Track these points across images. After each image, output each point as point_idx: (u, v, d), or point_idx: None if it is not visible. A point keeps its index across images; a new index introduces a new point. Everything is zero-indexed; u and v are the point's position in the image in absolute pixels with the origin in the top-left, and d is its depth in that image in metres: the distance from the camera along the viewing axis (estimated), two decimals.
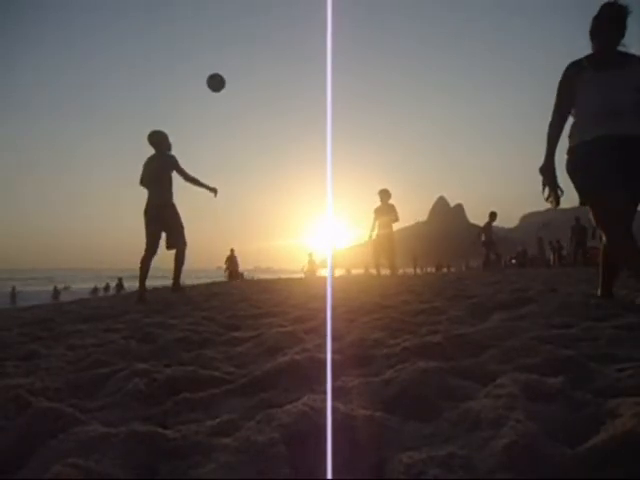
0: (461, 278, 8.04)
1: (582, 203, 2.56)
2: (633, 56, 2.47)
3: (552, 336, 1.73)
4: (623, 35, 2.45)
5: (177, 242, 4.71)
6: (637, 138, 2.35)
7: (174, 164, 4.67)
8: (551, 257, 19.52)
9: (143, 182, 4.69)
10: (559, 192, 2.61)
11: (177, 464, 0.79)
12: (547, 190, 2.64)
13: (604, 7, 2.45)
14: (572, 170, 2.54)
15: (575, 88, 2.51)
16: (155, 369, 1.46)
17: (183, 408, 1.14)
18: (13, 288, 21.05)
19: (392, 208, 8.34)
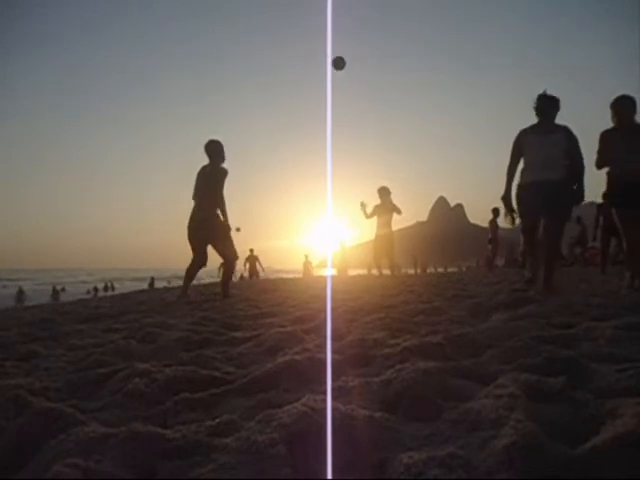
0: (461, 278, 8.04)
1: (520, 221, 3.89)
2: (560, 126, 3.65)
3: (552, 336, 1.72)
4: (555, 113, 3.66)
5: (226, 255, 4.68)
6: (555, 180, 3.55)
7: (223, 177, 4.59)
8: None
9: (195, 192, 4.62)
10: (514, 215, 3.86)
11: (177, 464, 0.79)
12: (505, 213, 3.93)
13: (541, 99, 3.66)
14: (517, 199, 3.81)
15: (522, 147, 3.70)
16: (155, 369, 1.46)
17: (183, 408, 1.14)
18: (20, 288, 20.93)
19: (392, 206, 8.28)
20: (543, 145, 3.58)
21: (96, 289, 23.09)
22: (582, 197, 3.60)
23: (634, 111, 3.60)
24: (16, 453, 0.91)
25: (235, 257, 4.80)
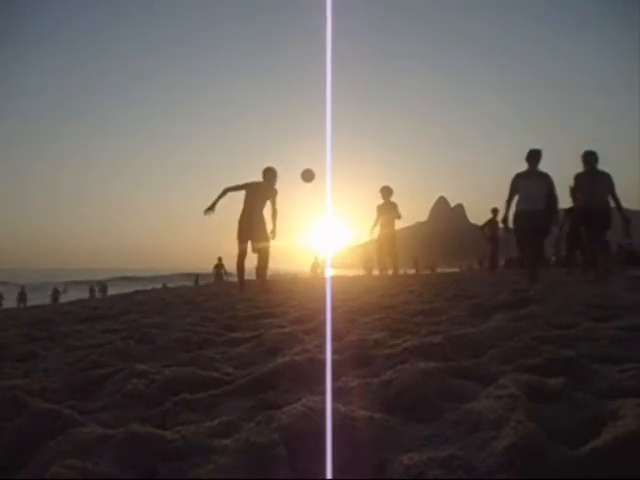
0: (461, 278, 8.03)
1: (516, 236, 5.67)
2: (542, 173, 5.45)
3: (553, 336, 1.72)
4: (539, 160, 5.46)
5: (261, 254, 5.85)
6: (539, 210, 5.32)
7: (274, 196, 5.92)
8: (552, 257, 19.42)
9: (233, 189, 5.79)
10: (510, 230, 5.63)
11: (176, 465, 0.79)
12: (503, 229, 5.83)
13: (530, 152, 5.46)
14: (514, 221, 5.56)
15: (516, 187, 5.51)
16: (154, 370, 1.45)
17: (182, 409, 1.14)
18: (22, 288, 20.63)
19: (394, 206, 8.17)
20: (530, 186, 5.42)
21: (93, 290, 22.92)
22: (558, 220, 5.78)
23: (596, 161, 5.51)
24: (15, 454, 0.90)
25: (266, 259, 5.85)
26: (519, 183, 5.46)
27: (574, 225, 7.47)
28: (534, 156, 5.45)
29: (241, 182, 5.86)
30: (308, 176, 5.69)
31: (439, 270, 29.32)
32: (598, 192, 5.43)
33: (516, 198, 5.55)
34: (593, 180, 5.45)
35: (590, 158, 5.54)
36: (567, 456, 0.74)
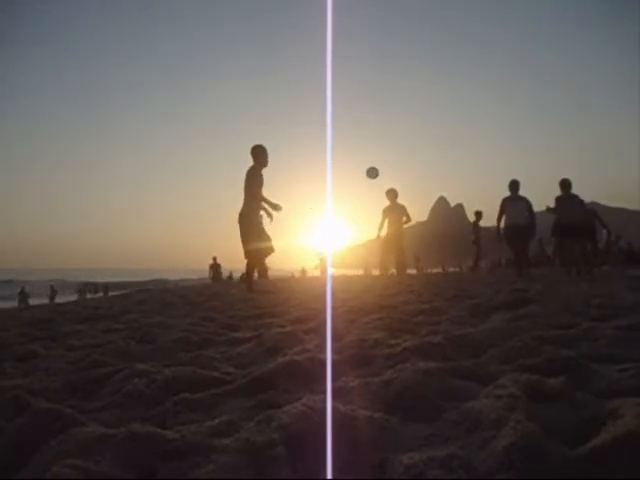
0: (461, 278, 8.04)
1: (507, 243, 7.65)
2: (523, 197, 7.45)
3: (552, 336, 1.72)
4: (519, 188, 7.46)
5: (245, 251, 5.27)
6: (522, 224, 7.33)
7: (256, 178, 5.25)
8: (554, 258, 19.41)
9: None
10: (501, 239, 7.52)
11: (176, 465, 0.79)
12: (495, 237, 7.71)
13: (512, 182, 7.50)
14: (504, 233, 7.45)
15: (505, 207, 7.42)
16: (154, 370, 1.46)
17: (182, 409, 1.14)
18: (22, 288, 20.28)
19: (403, 209, 8.19)
20: (515, 206, 7.32)
21: (82, 291, 22.47)
22: (535, 232, 7.51)
23: (570, 187, 7.47)
24: (16, 453, 0.90)
25: (246, 256, 5.28)
26: (507, 204, 7.42)
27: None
28: (515, 185, 7.48)
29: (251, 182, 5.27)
30: (372, 173, 5.64)
31: (438, 270, 29.39)
32: (575, 210, 7.48)
33: (504, 215, 7.48)
34: (570, 201, 7.47)
35: (565, 184, 7.51)
36: (567, 456, 0.74)
